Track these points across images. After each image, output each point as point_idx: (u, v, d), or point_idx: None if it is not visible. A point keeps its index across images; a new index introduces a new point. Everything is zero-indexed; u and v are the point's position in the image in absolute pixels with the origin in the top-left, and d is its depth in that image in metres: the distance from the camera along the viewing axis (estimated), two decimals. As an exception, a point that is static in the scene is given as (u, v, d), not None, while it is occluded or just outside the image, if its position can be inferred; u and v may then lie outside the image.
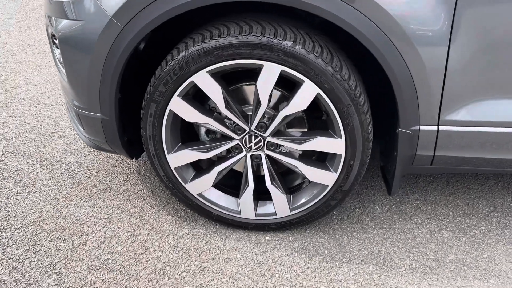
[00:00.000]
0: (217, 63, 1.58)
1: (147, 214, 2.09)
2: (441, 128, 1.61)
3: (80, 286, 1.74)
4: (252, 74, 1.68)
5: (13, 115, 2.98)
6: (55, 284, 1.75)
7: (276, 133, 1.75)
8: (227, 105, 1.69)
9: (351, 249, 1.89)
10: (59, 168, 2.43)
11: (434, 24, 1.44)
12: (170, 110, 1.70)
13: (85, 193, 2.24)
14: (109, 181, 2.32)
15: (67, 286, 1.74)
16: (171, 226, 2.01)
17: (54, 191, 2.26)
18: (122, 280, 1.76)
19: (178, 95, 1.67)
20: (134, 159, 2.42)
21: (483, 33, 1.44)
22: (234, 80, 1.83)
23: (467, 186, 2.25)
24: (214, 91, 1.65)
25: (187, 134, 1.93)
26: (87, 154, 2.54)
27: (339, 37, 1.67)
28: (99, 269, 1.81)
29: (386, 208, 2.12)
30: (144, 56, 1.82)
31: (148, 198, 2.20)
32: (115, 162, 2.47)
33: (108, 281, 1.76)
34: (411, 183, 2.28)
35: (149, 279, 1.76)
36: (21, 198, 2.21)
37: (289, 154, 1.81)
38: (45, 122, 2.88)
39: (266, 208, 1.92)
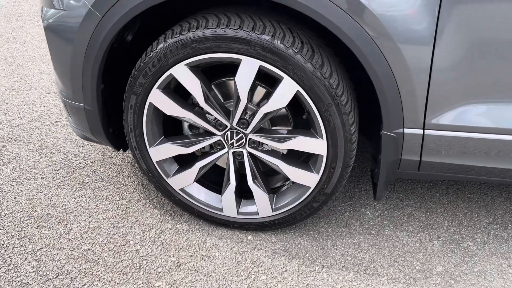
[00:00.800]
0: (195, 56, 1.55)
1: (134, 207, 2.08)
2: (427, 132, 1.53)
3: (56, 274, 1.74)
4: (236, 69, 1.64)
5: (22, 103, 3.04)
6: (33, 271, 1.76)
7: (259, 130, 1.70)
8: (207, 100, 1.65)
9: (334, 254, 1.82)
10: (57, 157, 2.45)
11: (417, 23, 1.35)
12: (150, 102, 1.68)
13: (77, 182, 2.25)
14: (102, 172, 2.32)
15: (44, 274, 1.75)
16: (155, 220, 2.00)
17: (48, 179, 2.28)
18: (98, 271, 1.76)
19: (157, 88, 1.64)
20: (127, 152, 2.43)
21: (470, 33, 1.35)
22: (221, 74, 1.79)
23: (468, 195, 2.14)
24: (192, 84, 1.61)
25: (172, 128, 1.91)
26: (86, 144, 2.56)
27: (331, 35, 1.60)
28: (77, 259, 1.81)
29: (377, 214, 2.03)
30: (133, 47, 1.80)
31: (137, 190, 2.19)
32: (111, 153, 2.47)
33: (84, 271, 1.75)
34: (408, 188, 2.18)
35: (124, 272, 1.75)
36: (16, 184, 2.24)
37: (271, 152, 1.75)
38: (51, 111, 2.92)
39: (249, 207, 1.88)
